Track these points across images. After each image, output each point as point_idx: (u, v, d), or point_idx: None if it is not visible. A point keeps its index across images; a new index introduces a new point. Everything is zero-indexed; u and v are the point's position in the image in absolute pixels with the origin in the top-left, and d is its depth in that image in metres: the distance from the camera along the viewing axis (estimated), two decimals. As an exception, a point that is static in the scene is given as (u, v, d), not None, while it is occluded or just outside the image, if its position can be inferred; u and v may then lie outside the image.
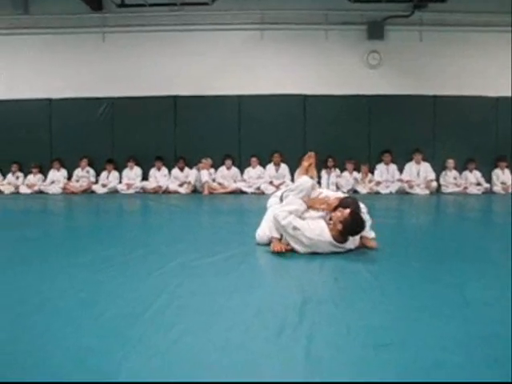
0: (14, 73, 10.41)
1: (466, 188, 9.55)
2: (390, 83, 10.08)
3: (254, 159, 9.93)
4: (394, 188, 9.53)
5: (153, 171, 10.05)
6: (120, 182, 9.98)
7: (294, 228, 3.45)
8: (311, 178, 3.95)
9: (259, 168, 9.93)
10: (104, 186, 9.91)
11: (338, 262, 3.27)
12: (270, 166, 9.90)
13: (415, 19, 10.06)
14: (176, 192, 9.61)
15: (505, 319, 2.11)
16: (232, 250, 3.65)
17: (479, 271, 3.06)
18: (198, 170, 9.65)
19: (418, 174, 9.69)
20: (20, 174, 10.21)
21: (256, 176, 9.85)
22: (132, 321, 2.12)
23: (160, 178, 9.97)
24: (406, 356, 1.76)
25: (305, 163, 4.15)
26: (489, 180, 9.77)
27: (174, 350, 1.83)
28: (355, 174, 9.75)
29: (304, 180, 3.82)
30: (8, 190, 9.89)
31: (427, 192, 9.40)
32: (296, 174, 4.42)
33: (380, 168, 9.82)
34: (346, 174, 9.75)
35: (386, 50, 10.19)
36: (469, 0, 9.82)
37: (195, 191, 9.66)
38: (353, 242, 3.57)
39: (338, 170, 9.75)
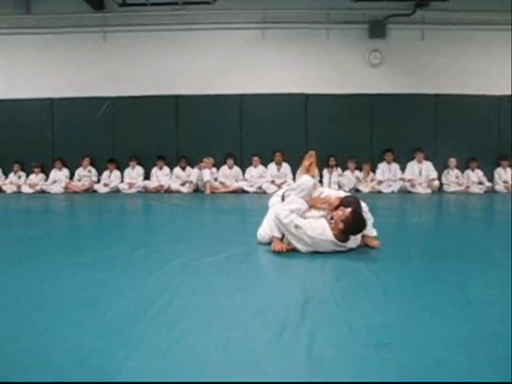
0: (15, 72, 10.42)
1: (467, 187, 9.53)
2: (392, 82, 10.05)
3: (255, 158, 9.91)
4: (395, 187, 9.50)
5: (155, 170, 10.05)
6: (122, 182, 9.97)
7: (296, 226, 3.45)
8: (312, 177, 3.96)
9: (261, 167, 9.91)
10: (106, 185, 9.91)
11: (339, 261, 3.27)
12: (272, 165, 9.88)
13: (417, 18, 10.01)
14: (178, 191, 9.61)
15: (506, 318, 2.11)
16: (233, 250, 3.65)
17: (481, 270, 3.06)
18: (200, 169, 9.64)
19: (420, 172, 9.66)
20: (22, 174, 10.21)
21: (258, 175, 9.83)
22: (134, 320, 2.12)
23: (162, 177, 9.97)
24: (408, 355, 1.76)
25: (305, 162, 4.15)
26: (491, 179, 9.73)
27: (176, 349, 1.83)
28: (357, 172, 9.73)
29: (305, 179, 3.82)
30: (10, 189, 9.91)
31: (429, 191, 9.37)
32: (297, 174, 4.42)
33: (382, 167, 9.79)
34: (347, 172, 9.73)
35: (387, 49, 10.15)
36: (470, -1, 9.82)
37: (197, 190, 9.65)
38: (354, 241, 3.57)
39: (339, 169, 9.73)
